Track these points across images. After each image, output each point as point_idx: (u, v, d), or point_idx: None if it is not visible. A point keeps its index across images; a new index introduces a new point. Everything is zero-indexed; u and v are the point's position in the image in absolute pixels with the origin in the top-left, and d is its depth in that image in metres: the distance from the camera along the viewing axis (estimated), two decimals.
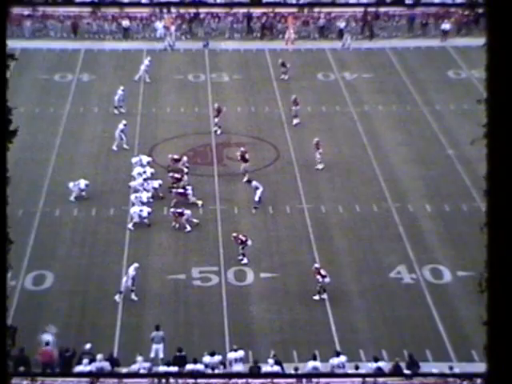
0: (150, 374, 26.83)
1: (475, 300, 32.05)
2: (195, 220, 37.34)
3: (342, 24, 61.30)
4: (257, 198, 38.86)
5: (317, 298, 32.47)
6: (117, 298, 32.37)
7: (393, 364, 28.34)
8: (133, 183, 39.42)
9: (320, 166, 42.11)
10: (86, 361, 27.79)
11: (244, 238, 34.72)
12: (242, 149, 41.57)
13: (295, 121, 47.82)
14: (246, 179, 40.47)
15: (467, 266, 34.48)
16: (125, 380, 25.59)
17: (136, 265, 32.71)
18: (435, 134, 46.67)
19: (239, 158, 41.33)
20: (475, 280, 32.30)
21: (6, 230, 7.70)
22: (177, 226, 37.10)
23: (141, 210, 37.24)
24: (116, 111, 48.48)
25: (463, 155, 43.82)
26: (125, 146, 44.04)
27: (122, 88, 49.18)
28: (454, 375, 18.06)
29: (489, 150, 7.53)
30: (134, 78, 53.35)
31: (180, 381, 24.96)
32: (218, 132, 46.27)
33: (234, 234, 34.96)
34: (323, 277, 32.33)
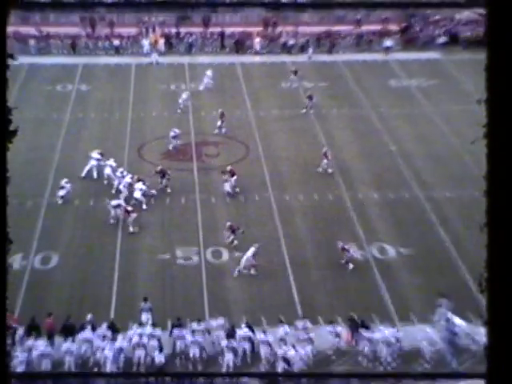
0: (143, 374, 26.58)
1: (414, 272, 32.68)
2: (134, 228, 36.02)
3: (292, 41, 61.53)
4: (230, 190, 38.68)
5: (350, 266, 33.00)
6: (236, 273, 32.56)
7: (348, 319, 28.73)
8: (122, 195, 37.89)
9: (330, 170, 41.39)
10: (88, 327, 27.95)
11: (236, 227, 34.65)
12: (229, 168, 39.78)
13: (311, 111, 49.25)
14: (238, 191, 39.14)
15: (407, 244, 34.89)
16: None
17: (256, 245, 32.80)
18: (380, 133, 46.90)
19: (229, 174, 39.10)
20: (414, 255, 32.92)
21: (6, 230, 7.08)
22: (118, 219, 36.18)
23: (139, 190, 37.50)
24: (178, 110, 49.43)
25: (403, 151, 44.17)
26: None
27: (186, 92, 50.67)
28: (453, 375, 16.51)
29: (489, 149, 6.87)
30: (199, 88, 53.51)
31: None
32: (216, 131, 46.09)
33: (229, 223, 34.76)
34: (347, 251, 33.11)
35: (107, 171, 39.67)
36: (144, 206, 37.59)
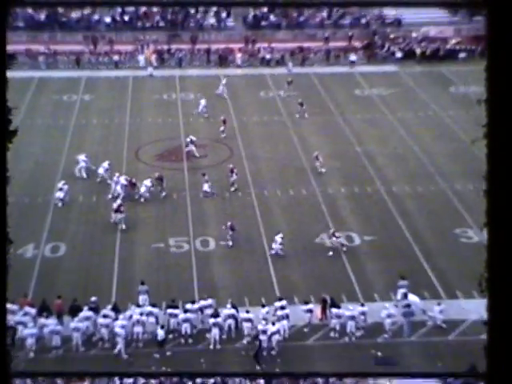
0: (144, 374, 26.31)
1: (376, 256, 32.75)
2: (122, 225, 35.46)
3: (269, 56, 61.44)
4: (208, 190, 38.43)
5: (331, 253, 32.88)
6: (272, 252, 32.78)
7: (321, 299, 28.64)
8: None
9: (323, 170, 41.01)
10: (86, 308, 27.90)
11: (234, 225, 34.29)
12: (231, 166, 39.84)
13: (306, 115, 49.31)
14: (233, 189, 38.81)
15: (371, 232, 34.98)
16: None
17: (281, 234, 32.99)
18: (347, 136, 46.93)
19: (229, 172, 39.15)
20: (377, 242, 32.95)
21: (6, 230, 6.55)
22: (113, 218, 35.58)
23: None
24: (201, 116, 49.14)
25: (367, 152, 44.26)
26: None
27: (204, 99, 50.07)
28: (452, 375, 14.45)
29: (489, 149, 6.22)
30: (216, 92, 53.31)
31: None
32: (222, 136, 45.76)
33: (230, 223, 34.26)
34: (337, 238, 32.98)
35: (100, 171, 39.62)
36: (142, 200, 37.55)
